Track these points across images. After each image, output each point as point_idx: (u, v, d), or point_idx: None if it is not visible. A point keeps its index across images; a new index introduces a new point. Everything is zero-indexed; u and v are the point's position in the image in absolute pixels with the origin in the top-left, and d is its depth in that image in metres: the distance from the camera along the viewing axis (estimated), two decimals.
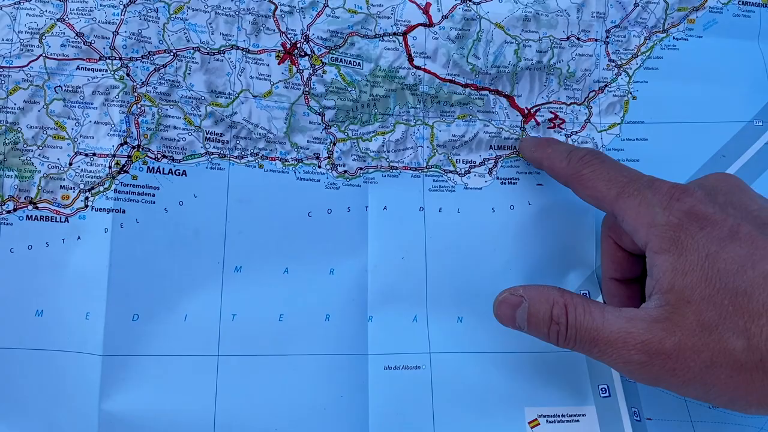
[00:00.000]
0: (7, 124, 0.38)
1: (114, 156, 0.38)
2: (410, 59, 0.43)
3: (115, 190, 0.38)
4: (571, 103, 0.45)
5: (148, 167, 0.39)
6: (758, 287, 0.30)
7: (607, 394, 0.40)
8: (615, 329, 0.32)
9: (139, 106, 0.39)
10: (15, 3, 0.39)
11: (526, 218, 0.43)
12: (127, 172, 0.38)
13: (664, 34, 0.46)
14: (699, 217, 0.32)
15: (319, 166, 0.42)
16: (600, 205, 0.37)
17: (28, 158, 0.38)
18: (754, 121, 0.46)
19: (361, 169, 0.42)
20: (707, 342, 0.30)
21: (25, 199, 0.38)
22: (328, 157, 0.42)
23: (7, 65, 0.38)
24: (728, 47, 0.47)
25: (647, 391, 0.41)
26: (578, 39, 0.45)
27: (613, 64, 0.46)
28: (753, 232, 0.31)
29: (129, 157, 0.38)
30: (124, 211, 0.38)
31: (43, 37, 0.39)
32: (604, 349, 0.32)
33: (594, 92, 0.45)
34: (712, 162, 0.46)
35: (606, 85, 0.46)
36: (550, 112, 0.45)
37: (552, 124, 0.45)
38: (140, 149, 0.39)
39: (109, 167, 0.38)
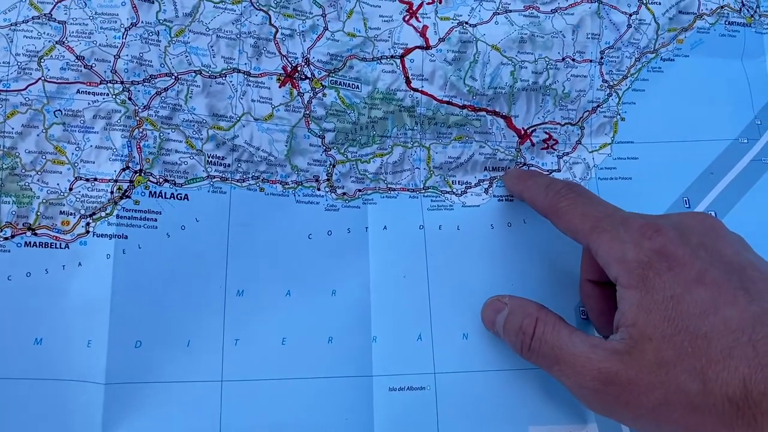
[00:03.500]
0: (5, 149, 0.37)
1: (116, 181, 0.38)
2: (408, 81, 0.44)
3: (117, 216, 0.37)
4: (565, 123, 0.46)
5: (150, 192, 0.38)
6: (718, 333, 0.30)
7: None
8: (577, 352, 0.33)
9: (141, 130, 0.39)
10: (11, 24, 0.38)
11: (524, 235, 0.44)
12: (129, 197, 0.38)
13: (654, 54, 0.48)
14: (668, 257, 0.33)
15: (318, 189, 0.42)
16: (575, 238, 0.37)
17: (27, 183, 0.37)
18: (740, 138, 0.48)
19: (359, 190, 0.42)
20: (663, 380, 0.30)
21: (23, 225, 0.37)
22: (327, 180, 0.42)
23: (5, 89, 0.37)
24: (714, 66, 0.48)
25: None
26: (573, 60, 0.46)
27: (606, 85, 0.47)
28: (720, 277, 0.31)
29: (131, 181, 0.38)
30: (126, 237, 0.37)
31: (42, 60, 0.38)
32: (563, 369, 0.33)
33: (587, 112, 0.46)
34: (701, 179, 0.47)
35: (598, 106, 0.46)
36: (545, 132, 0.46)
37: (546, 145, 0.46)
38: (142, 174, 0.38)
39: (111, 192, 0.38)
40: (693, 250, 0.33)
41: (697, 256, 0.33)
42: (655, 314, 0.31)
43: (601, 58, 0.46)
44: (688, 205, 0.46)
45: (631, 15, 0.47)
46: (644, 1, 0.47)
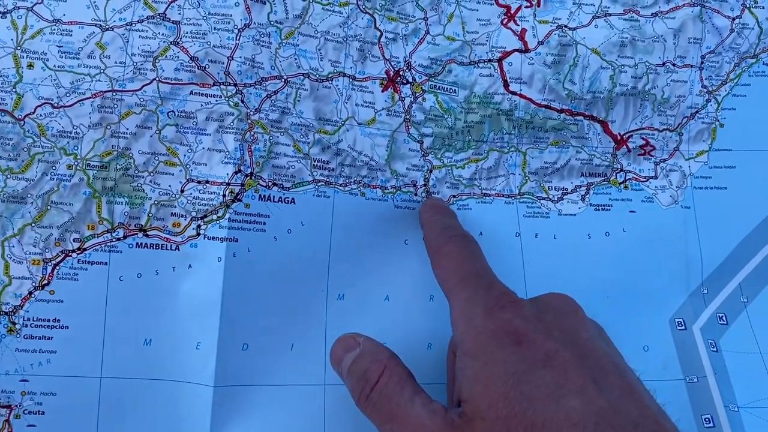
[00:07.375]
0: (119, 150, 0.37)
1: (229, 184, 0.38)
2: (506, 85, 0.43)
3: (229, 219, 0.37)
4: (663, 129, 0.45)
5: (260, 195, 0.38)
6: (557, 424, 0.26)
7: (711, 425, 0.40)
8: (414, 415, 0.29)
9: (252, 133, 0.38)
10: (127, 24, 0.38)
11: (621, 245, 0.43)
12: (241, 201, 0.38)
13: (754, 60, 0.47)
14: (517, 332, 0.30)
15: (416, 194, 0.42)
16: (443, 289, 0.35)
17: (139, 185, 0.37)
18: None
19: (454, 196, 0.42)
20: None
21: (135, 226, 0.37)
22: (425, 185, 0.42)
23: (120, 89, 0.37)
24: None
25: (752, 423, 0.41)
26: (674, 65, 0.45)
27: (705, 90, 0.46)
28: (570, 361, 0.28)
29: (242, 185, 0.38)
30: (237, 240, 0.37)
31: (157, 61, 0.38)
32: (395, 429, 0.30)
33: (686, 118, 0.45)
34: None
35: (697, 112, 0.46)
36: (642, 138, 0.45)
37: (643, 151, 0.45)
38: (253, 177, 0.38)
39: (224, 195, 0.37)
40: (546, 328, 0.30)
41: (549, 335, 0.30)
42: (492, 390, 0.28)
43: (702, 63, 0.46)
44: None
45: (734, 19, 0.46)
46: (747, 5, 0.46)
